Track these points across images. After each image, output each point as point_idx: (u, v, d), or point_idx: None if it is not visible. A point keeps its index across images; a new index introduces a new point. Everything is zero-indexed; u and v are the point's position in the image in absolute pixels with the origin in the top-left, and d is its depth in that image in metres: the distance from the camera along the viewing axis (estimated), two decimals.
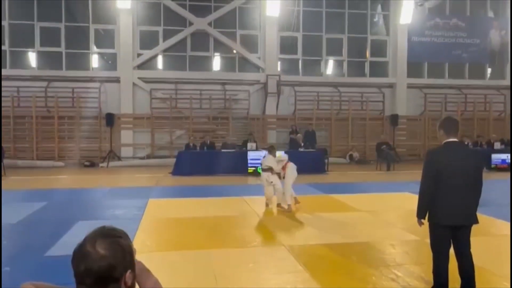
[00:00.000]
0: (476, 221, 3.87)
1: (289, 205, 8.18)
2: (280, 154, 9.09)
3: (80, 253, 1.48)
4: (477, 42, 20.41)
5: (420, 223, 3.98)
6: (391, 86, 19.82)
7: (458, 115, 19.71)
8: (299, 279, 4.59)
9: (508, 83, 20.55)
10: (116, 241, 1.51)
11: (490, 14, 21.00)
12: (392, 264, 5.10)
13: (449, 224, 3.80)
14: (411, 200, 9.52)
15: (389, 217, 7.78)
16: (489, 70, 21.21)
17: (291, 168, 8.43)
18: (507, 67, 20.83)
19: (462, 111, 20.04)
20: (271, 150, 8.73)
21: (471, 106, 20.15)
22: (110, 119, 17.15)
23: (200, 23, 18.22)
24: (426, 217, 3.92)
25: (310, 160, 14.88)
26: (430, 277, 4.55)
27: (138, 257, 1.63)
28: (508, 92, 20.49)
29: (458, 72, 20.54)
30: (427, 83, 20.10)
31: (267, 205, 8.45)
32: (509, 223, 6.92)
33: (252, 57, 18.82)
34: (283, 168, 8.42)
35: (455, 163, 3.79)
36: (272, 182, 8.29)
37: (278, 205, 8.35)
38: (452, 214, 3.77)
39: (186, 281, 4.51)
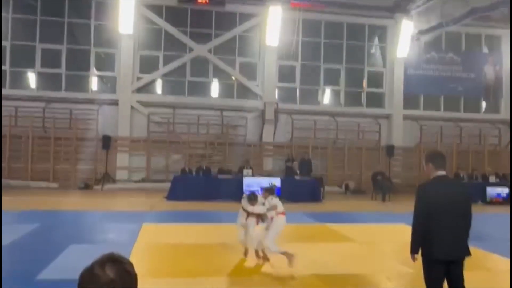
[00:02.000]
0: (469, 254, 3.89)
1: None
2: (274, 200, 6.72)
3: (89, 275, 1.48)
4: (472, 76, 20.77)
5: (414, 259, 3.94)
6: (387, 117, 20.01)
7: (453, 148, 19.89)
8: None
9: (503, 117, 20.81)
10: (125, 267, 1.53)
11: (485, 49, 21.44)
12: None
13: (444, 259, 3.79)
14: (406, 232, 9.46)
15: (384, 249, 7.73)
16: (484, 104, 21.50)
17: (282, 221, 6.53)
18: (501, 101, 21.14)
19: (458, 143, 20.19)
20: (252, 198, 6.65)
21: (466, 139, 20.32)
22: (107, 142, 17.13)
23: (200, 50, 18.48)
24: (420, 252, 3.91)
25: (305, 188, 14.89)
26: None
27: None
28: (503, 126, 20.73)
29: (453, 105, 20.80)
30: (423, 115, 20.32)
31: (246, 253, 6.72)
32: (505, 258, 6.89)
33: (251, 85, 19.02)
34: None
35: (446, 197, 3.82)
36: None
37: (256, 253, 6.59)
38: (446, 248, 3.77)
39: None
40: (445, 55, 20.50)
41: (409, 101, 20.20)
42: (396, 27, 19.55)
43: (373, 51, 20.83)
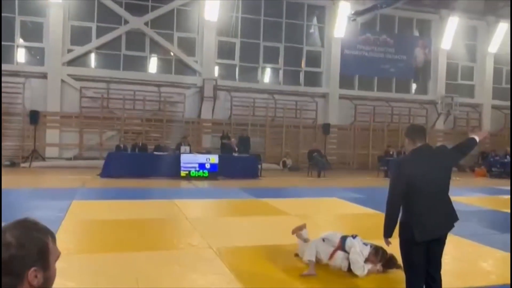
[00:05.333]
0: (452, 226, 3.57)
1: None
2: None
3: None
4: (404, 59, 21.69)
5: (388, 243, 3.64)
6: (324, 96, 20.49)
7: (385, 127, 20.86)
8: (224, 281, 4.56)
9: (430, 98, 22.02)
10: (29, 233, 1.40)
11: (416, 33, 22.43)
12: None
13: (425, 240, 3.43)
14: (339, 205, 9.93)
15: (317, 220, 7.97)
16: (414, 86, 22.59)
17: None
18: (429, 83, 22.32)
19: (389, 122, 21.16)
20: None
21: (396, 118, 21.32)
22: (35, 117, 16.17)
23: (136, 22, 17.77)
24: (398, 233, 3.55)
25: (243, 165, 14.98)
26: (350, 277, 4.72)
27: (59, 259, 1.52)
28: (429, 106, 21.97)
29: (386, 86, 21.68)
30: (357, 95, 21.00)
31: None
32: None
33: (189, 60, 18.64)
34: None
35: (425, 172, 3.44)
36: None
37: None
38: (428, 229, 3.41)
39: (105, 283, 4.32)
40: (379, 37, 21.22)
41: (345, 81, 20.78)
42: (333, 8, 19.90)
43: (311, 30, 21.10)
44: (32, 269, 1.38)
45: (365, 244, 4.85)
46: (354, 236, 4.97)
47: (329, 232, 5.35)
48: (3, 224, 1.46)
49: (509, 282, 4.80)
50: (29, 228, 1.43)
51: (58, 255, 1.49)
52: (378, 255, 4.75)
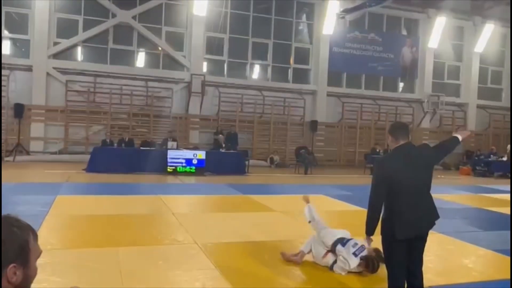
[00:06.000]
0: (433, 224, 3.59)
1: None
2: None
3: None
4: (391, 57, 21.82)
5: (370, 241, 3.67)
6: (312, 93, 20.52)
7: (372, 124, 20.99)
8: (209, 276, 4.56)
9: (417, 96, 22.22)
10: (10, 230, 1.39)
11: (404, 32, 22.58)
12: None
13: (405, 238, 3.43)
14: (325, 202, 9.96)
15: (303, 217, 7.98)
16: (401, 84, 22.76)
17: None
18: (416, 82, 22.51)
19: (376, 120, 21.30)
20: None
21: (384, 116, 21.46)
22: (19, 110, 15.93)
23: (123, 16, 17.57)
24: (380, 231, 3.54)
25: (230, 161, 14.98)
26: (334, 274, 4.75)
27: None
28: (416, 105, 22.17)
29: (373, 84, 21.78)
30: (345, 92, 21.08)
31: None
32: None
33: (177, 55, 18.51)
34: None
35: (406, 170, 3.43)
36: None
37: None
38: (408, 227, 3.41)
39: (89, 279, 4.28)
40: (368, 35, 21.31)
41: (333, 78, 20.83)
42: (322, 5, 19.92)
43: (300, 27, 21.10)
44: (11, 265, 1.37)
45: (355, 254, 4.76)
46: (344, 243, 4.89)
47: (328, 231, 5.23)
48: None
49: (490, 279, 4.88)
50: (10, 225, 1.42)
51: (39, 253, 1.49)
52: (369, 267, 4.72)
